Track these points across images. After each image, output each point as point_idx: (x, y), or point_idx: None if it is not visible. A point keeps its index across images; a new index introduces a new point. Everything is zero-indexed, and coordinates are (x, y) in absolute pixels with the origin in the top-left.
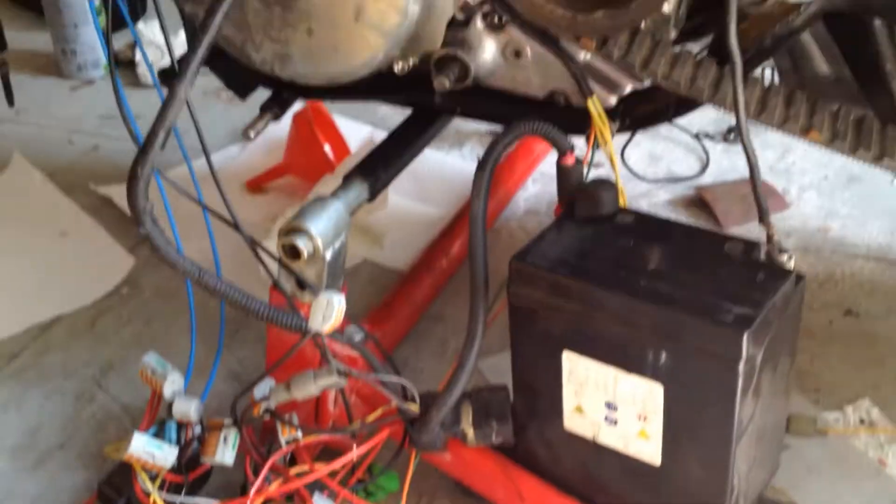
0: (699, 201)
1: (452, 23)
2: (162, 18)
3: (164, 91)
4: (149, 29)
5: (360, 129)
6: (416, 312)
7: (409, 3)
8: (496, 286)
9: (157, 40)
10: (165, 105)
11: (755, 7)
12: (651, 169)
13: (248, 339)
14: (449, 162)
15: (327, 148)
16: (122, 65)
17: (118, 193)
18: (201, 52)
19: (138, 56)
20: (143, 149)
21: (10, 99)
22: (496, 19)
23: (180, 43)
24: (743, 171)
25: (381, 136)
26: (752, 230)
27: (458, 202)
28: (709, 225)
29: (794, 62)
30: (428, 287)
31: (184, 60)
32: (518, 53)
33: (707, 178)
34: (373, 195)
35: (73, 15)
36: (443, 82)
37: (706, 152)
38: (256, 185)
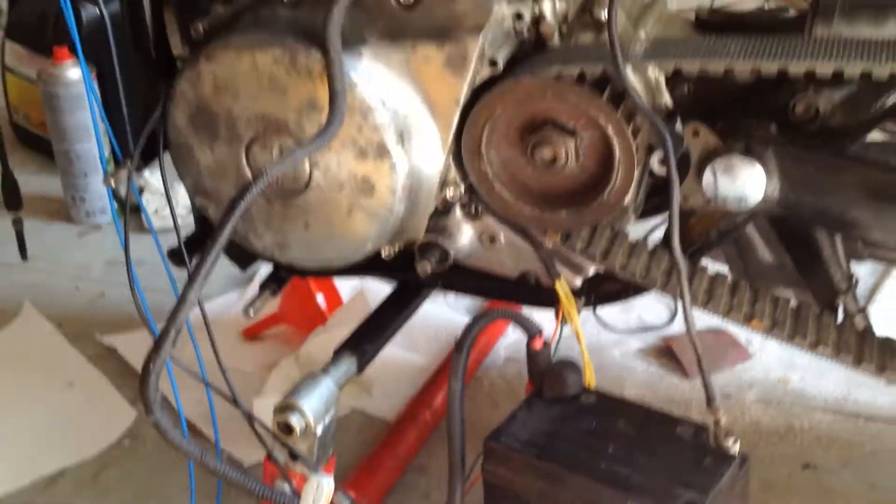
0: (668, 351)
1: (434, 212)
2: (165, 179)
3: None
4: (155, 177)
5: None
6: (401, 466)
7: (395, 202)
8: (476, 443)
9: (163, 189)
10: (177, 308)
11: (701, 206)
12: (623, 317)
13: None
14: (435, 311)
15: (320, 298)
16: (114, 169)
17: (122, 343)
18: (212, 258)
19: (145, 200)
20: (156, 346)
21: (23, 254)
22: (473, 209)
23: (182, 194)
24: (707, 320)
25: (369, 284)
26: (716, 380)
27: (444, 351)
28: (677, 374)
29: (739, 250)
30: (413, 440)
31: (196, 267)
32: (493, 239)
33: (676, 327)
34: (361, 369)
35: (84, 165)
36: (425, 267)
37: (674, 300)
38: (253, 333)
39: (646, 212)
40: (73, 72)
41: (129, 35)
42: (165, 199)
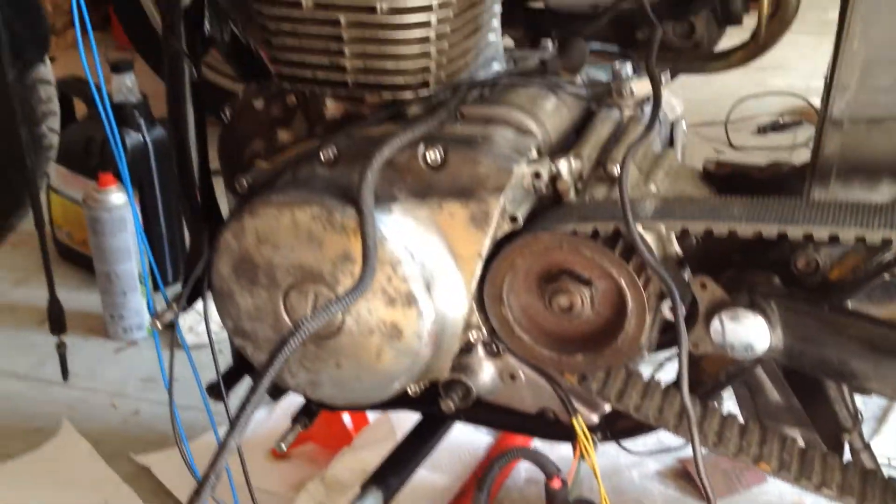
0: (685, 473)
1: (458, 351)
2: (208, 320)
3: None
4: None
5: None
6: None
7: (422, 346)
8: None
9: (198, 306)
10: (217, 455)
11: (711, 352)
12: (641, 438)
13: None
14: (458, 430)
15: (346, 418)
16: (160, 312)
17: (156, 463)
18: (251, 409)
19: (180, 319)
20: (197, 491)
21: (65, 375)
22: (494, 348)
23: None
24: None
25: None
26: (732, 503)
27: (466, 471)
28: (694, 497)
29: (749, 390)
30: None
31: (237, 417)
32: (513, 377)
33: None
34: (386, 502)
35: (123, 284)
36: (449, 405)
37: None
38: (280, 453)
39: (660, 345)
40: (117, 196)
41: (178, 188)
42: (199, 315)
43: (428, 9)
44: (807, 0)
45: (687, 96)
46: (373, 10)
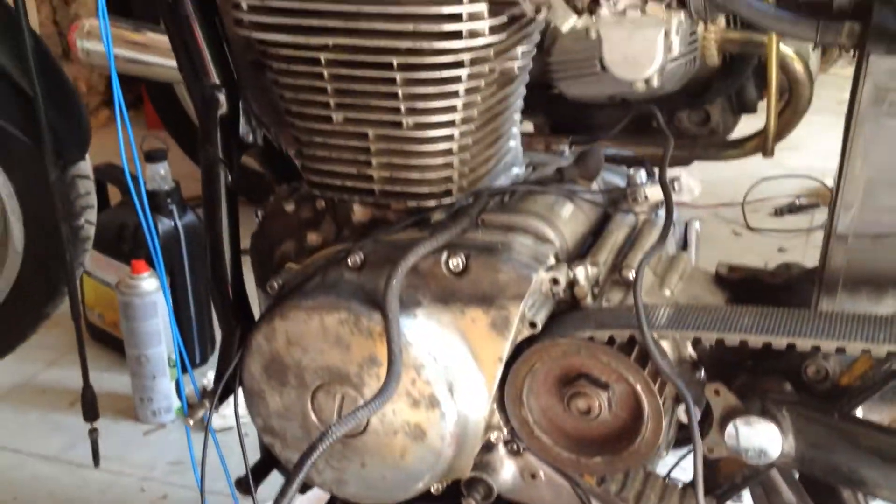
0: None
1: (479, 450)
2: (238, 418)
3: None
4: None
5: None
6: None
7: (444, 447)
8: None
9: None
10: None
11: (726, 456)
12: None
13: None
14: None
15: None
16: (192, 408)
17: None
18: None
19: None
20: None
21: (96, 461)
22: (515, 447)
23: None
24: None
25: None
26: None
27: None
28: None
29: (764, 490)
30: None
31: None
32: (533, 475)
33: None
34: None
35: (153, 368)
36: (471, 503)
37: None
38: None
39: (678, 441)
40: (149, 283)
41: (210, 284)
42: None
43: (451, 124)
44: (822, 79)
45: (705, 178)
46: (399, 125)
